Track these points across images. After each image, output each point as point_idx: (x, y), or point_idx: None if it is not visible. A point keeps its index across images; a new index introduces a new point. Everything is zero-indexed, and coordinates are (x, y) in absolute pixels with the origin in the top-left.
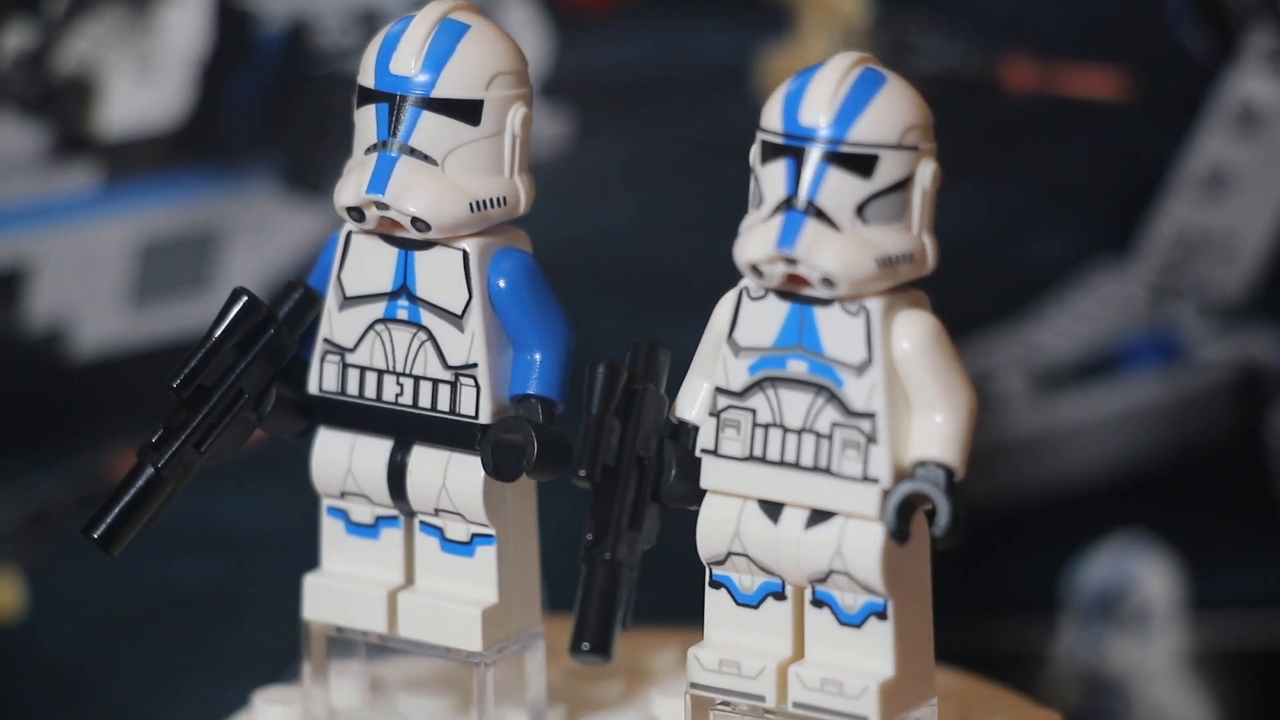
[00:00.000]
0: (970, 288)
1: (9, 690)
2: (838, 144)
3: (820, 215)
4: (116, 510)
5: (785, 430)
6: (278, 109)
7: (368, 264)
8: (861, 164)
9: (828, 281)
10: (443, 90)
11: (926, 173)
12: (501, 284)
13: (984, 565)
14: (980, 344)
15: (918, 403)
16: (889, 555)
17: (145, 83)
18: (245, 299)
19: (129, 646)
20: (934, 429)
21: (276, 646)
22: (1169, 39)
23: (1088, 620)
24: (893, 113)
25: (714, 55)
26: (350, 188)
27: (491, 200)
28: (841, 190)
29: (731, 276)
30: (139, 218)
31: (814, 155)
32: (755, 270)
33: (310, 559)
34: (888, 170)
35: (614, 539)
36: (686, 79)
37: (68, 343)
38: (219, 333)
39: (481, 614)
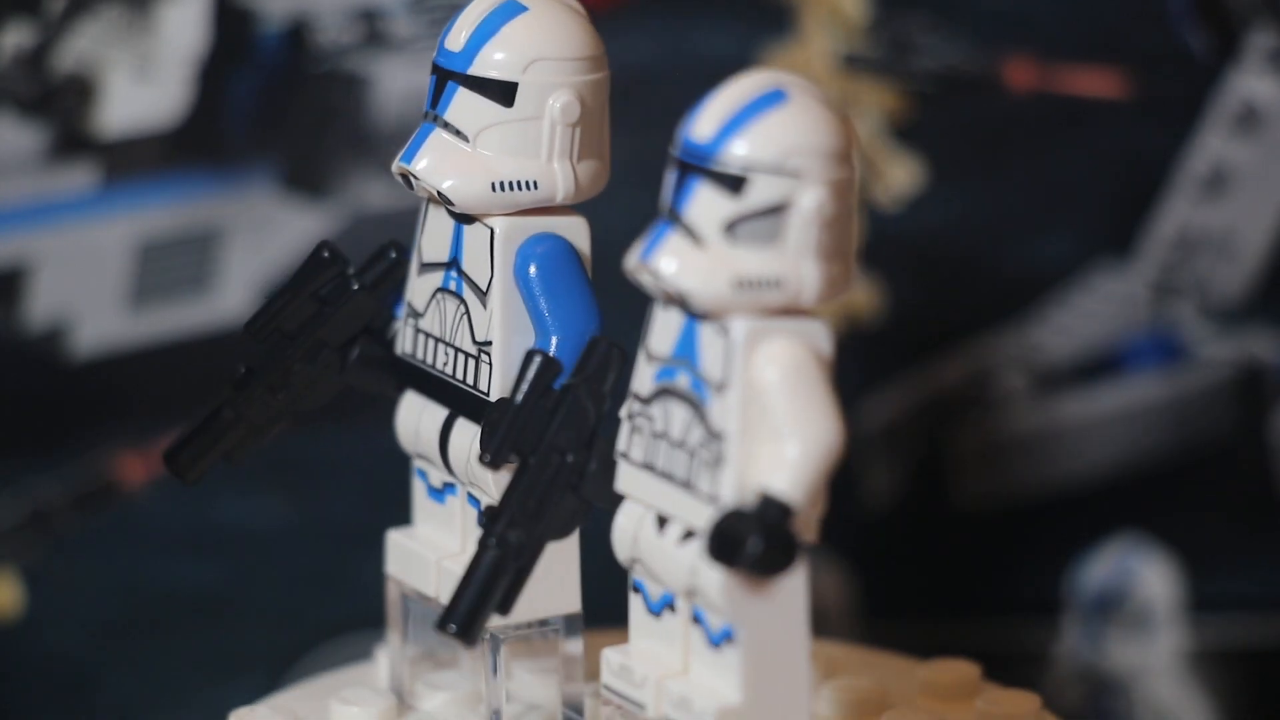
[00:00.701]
0: (970, 288)
1: (8, 689)
2: (708, 160)
3: (687, 230)
4: (194, 443)
5: (669, 442)
6: (277, 108)
7: (435, 232)
8: (731, 183)
9: (684, 296)
10: (478, 69)
11: (809, 200)
12: (530, 269)
13: (985, 565)
14: (980, 344)
15: (775, 432)
16: (735, 579)
17: (144, 82)
18: (325, 252)
19: (128, 646)
20: (781, 460)
21: (276, 647)
22: (1170, 39)
23: (1089, 620)
24: (776, 136)
25: (714, 55)
26: (397, 156)
27: (519, 183)
28: (709, 207)
29: None
30: (138, 217)
31: (690, 170)
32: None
33: (310, 559)
34: (760, 193)
35: (504, 525)
36: (686, 79)
37: (67, 342)
38: (293, 277)
39: None
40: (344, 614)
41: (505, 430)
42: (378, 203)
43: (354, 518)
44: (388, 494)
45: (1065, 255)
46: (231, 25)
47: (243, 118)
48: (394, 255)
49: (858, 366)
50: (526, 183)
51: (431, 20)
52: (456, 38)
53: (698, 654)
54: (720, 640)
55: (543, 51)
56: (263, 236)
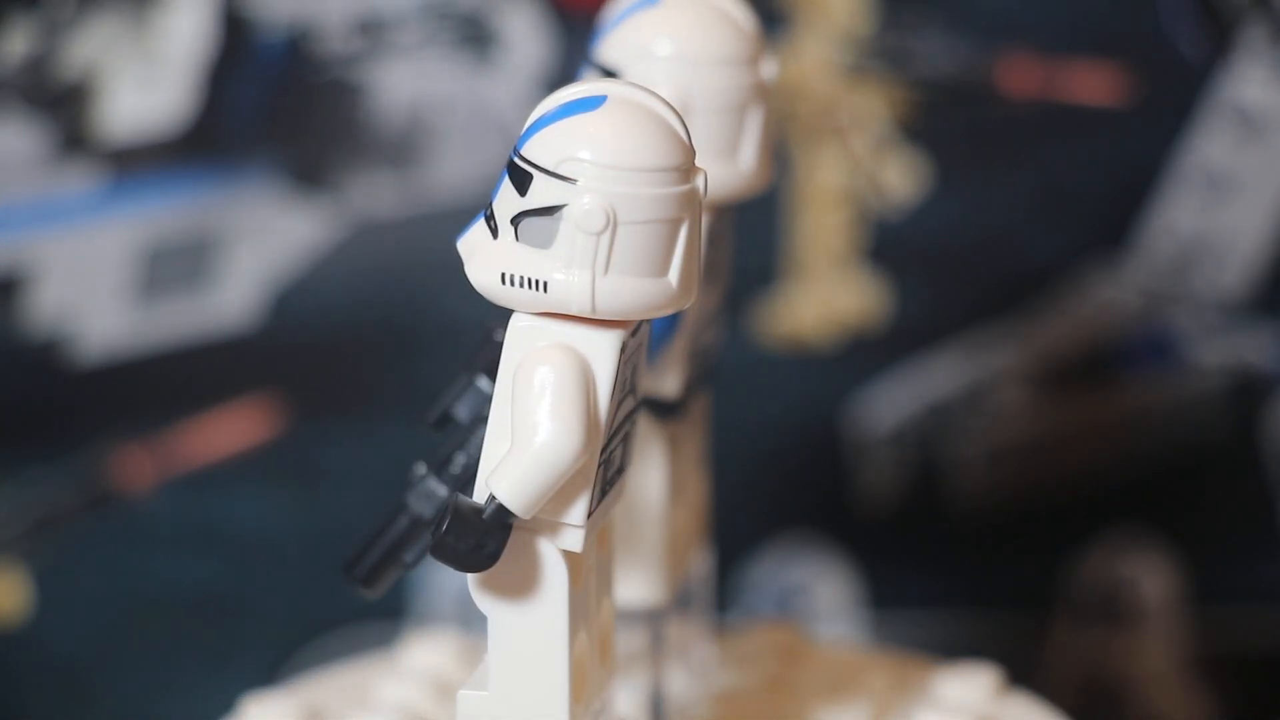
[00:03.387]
0: (971, 289)
1: (12, 689)
2: (512, 154)
3: (491, 219)
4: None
5: None
6: (280, 112)
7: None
8: (520, 179)
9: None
10: (599, 54)
11: (579, 207)
12: None
13: (984, 564)
14: (980, 344)
15: (516, 432)
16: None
17: (148, 85)
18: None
19: (131, 646)
20: (505, 461)
21: (276, 646)
22: (1166, 42)
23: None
24: (561, 139)
25: None
26: None
27: None
28: (505, 200)
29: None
30: (141, 220)
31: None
32: None
33: (311, 558)
34: (538, 193)
35: (414, 486)
36: None
37: (71, 345)
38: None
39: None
40: (344, 614)
41: (444, 394)
42: (379, 207)
43: (355, 518)
44: (389, 494)
45: (1062, 257)
46: (235, 29)
47: (246, 121)
48: None
49: (858, 366)
50: None
51: (433, 28)
52: (604, 21)
53: None
54: None
55: (650, 47)
56: (265, 239)
